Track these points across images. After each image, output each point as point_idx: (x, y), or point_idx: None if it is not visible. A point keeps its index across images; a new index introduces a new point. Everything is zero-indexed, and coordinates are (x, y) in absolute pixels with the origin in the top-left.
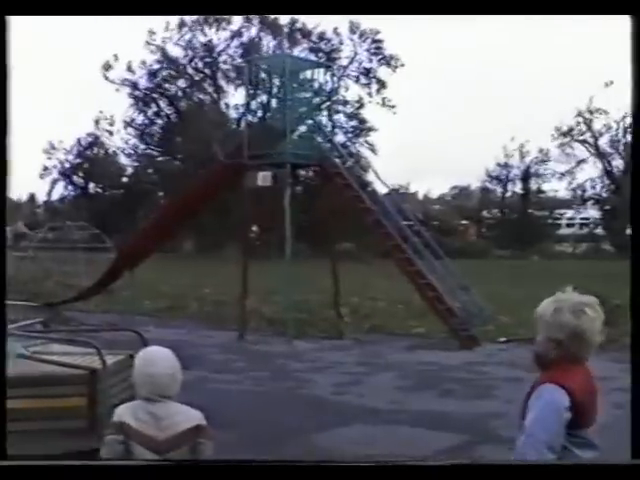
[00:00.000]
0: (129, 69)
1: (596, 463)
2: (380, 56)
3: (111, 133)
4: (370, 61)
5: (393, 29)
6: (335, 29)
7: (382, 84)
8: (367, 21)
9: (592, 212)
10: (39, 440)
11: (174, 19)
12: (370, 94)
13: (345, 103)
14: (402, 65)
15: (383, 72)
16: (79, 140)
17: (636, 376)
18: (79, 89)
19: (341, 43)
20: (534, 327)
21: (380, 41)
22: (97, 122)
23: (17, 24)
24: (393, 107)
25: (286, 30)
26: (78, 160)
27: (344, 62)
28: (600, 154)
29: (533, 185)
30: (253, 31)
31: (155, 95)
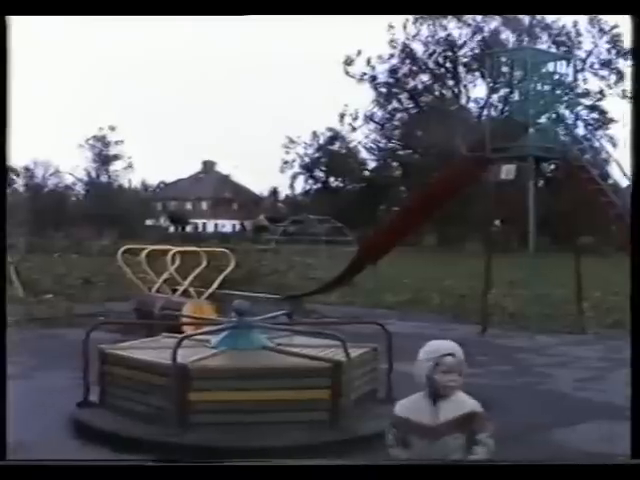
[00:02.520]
0: (370, 64)
1: (596, 463)
2: (618, 48)
3: (354, 128)
4: (609, 53)
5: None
6: (574, 23)
7: (621, 76)
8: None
9: None
10: (282, 431)
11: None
12: (609, 86)
13: (585, 95)
14: None
15: (622, 64)
16: (315, 134)
17: (636, 376)
18: (320, 84)
19: (580, 35)
20: None
21: (619, 35)
22: (342, 116)
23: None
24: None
25: (526, 24)
26: (318, 154)
27: (582, 54)
28: None
29: None
30: (493, 25)
31: (396, 90)
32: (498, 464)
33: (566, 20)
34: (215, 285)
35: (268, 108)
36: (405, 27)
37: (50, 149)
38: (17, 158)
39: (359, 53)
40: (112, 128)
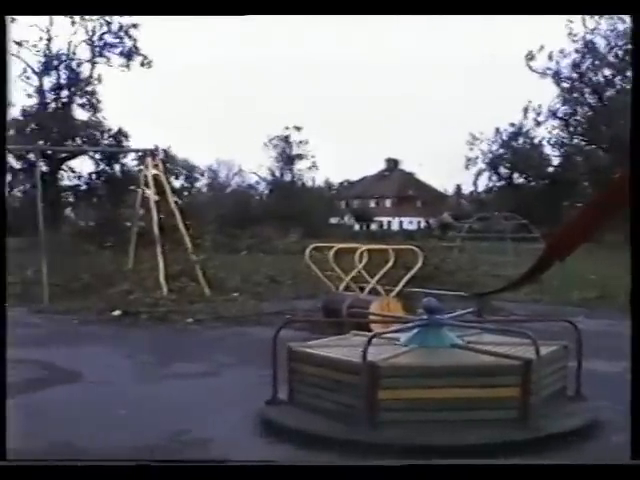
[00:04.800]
0: (551, 59)
1: (596, 463)
2: None
3: (538, 123)
4: None
5: None
6: None
7: None
8: None
9: None
10: (470, 430)
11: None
12: None
13: None
14: None
15: None
16: (498, 130)
17: (636, 376)
18: (504, 80)
19: None
20: None
21: None
22: (525, 111)
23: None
24: None
25: None
26: (502, 150)
27: None
28: None
29: None
30: None
31: (579, 84)
32: (499, 464)
33: None
34: (403, 282)
35: (451, 105)
36: (584, 20)
37: (234, 149)
38: (201, 158)
39: (541, 48)
40: (297, 128)
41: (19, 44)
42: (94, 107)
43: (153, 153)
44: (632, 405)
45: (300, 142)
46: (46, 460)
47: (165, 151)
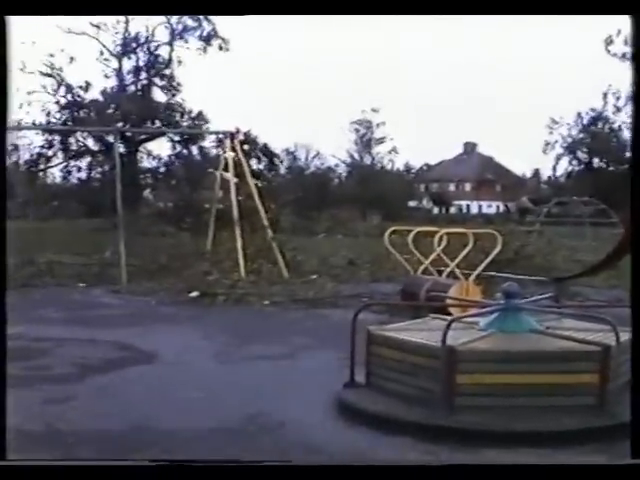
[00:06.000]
0: (627, 43)
1: (596, 463)
2: None
3: (618, 108)
4: None
5: None
6: None
7: None
8: None
9: None
10: (547, 416)
11: None
12: None
13: None
14: None
15: None
16: (579, 115)
17: (636, 374)
18: (584, 64)
19: None
20: None
21: None
22: (605, 96)
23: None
24: None
25: None
26: (582, 135)
27: None
28: None
29: None
30: None
31: None
32: (499, 465)
33: None
34: (482, 267)
35: (530, 89)
36: None
37: (312, 132)
38: (280, 141)
39: (619, 32)
40: (375, 110)
41: (97, 27)
42: (174, 89)
43: (233, 135)
44: (632, 405)
45: (378, 124)
46: (46, 460)
47: (245, 134)
